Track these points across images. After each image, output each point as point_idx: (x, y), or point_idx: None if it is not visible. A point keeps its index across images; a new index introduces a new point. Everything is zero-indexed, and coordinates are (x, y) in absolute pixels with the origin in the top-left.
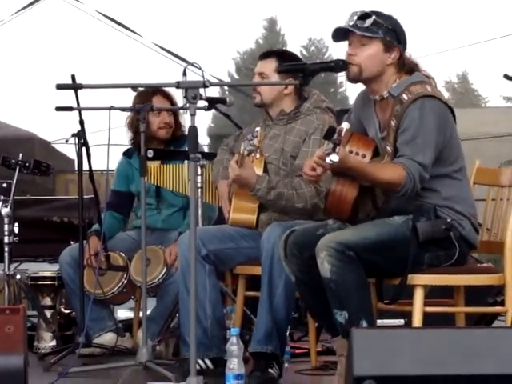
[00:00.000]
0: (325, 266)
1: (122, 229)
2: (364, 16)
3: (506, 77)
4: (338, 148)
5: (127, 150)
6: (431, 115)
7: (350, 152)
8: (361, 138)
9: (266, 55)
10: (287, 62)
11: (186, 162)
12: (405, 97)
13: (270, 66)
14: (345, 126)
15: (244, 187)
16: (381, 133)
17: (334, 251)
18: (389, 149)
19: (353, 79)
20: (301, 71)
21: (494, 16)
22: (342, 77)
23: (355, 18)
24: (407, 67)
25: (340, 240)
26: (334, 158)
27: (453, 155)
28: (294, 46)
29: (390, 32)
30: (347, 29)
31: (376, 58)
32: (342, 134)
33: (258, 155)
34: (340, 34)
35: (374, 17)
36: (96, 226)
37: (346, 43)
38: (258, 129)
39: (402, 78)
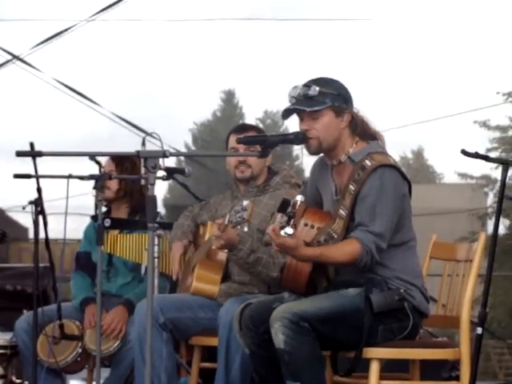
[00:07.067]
0: (279, 337)
1: (92, 290)
2: (307, 88)
3: (464, 152)
4: (292, 221)
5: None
6: (391, 185)
7: (305, 225)
8: (317, 211)
9: (244, 128)
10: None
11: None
12: (368, 163)
13: None
14: (299, 198)
15: (225, 248)
16: (336, 196)
17: (289, 322)
18: (342, 212)
19: (314, 152)
20: (261, 143)
21: (450, 93)
22: (297, 150)
23: (299, 92)
24: (359, 128)
25: (295, 311)
26: (289, 230)
27: (403, 226)
28: (251, 119)
29: (336, 97)
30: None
31: (331, 127)
32: (297, 207)
33: (245, 228)
34: (288, 112)
35: (318, 88)
36: (86, 294)
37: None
38: (247, 202)
39: (359, 144)
